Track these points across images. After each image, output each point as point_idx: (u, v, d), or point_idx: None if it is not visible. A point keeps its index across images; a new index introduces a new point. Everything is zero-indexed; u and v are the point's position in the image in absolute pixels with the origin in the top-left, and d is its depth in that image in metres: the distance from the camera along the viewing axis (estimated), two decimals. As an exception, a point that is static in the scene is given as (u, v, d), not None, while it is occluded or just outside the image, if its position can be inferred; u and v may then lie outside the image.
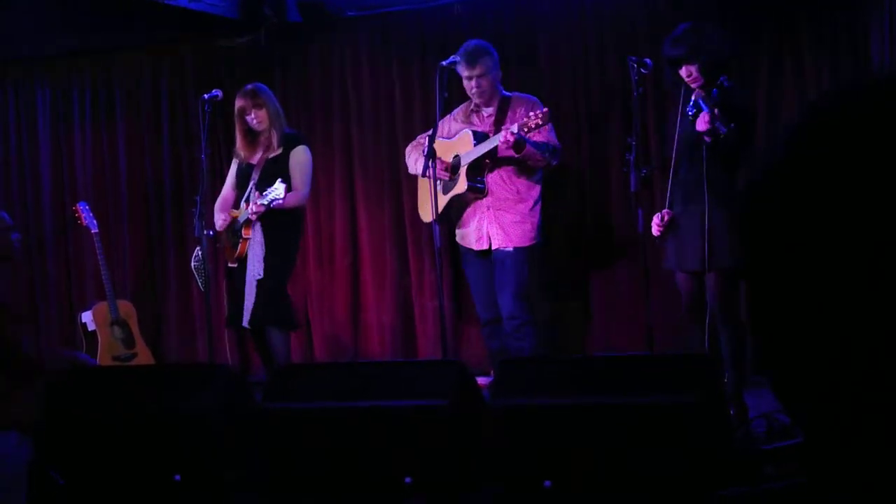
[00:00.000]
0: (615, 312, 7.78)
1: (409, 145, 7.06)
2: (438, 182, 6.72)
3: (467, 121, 6.81)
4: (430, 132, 6.78)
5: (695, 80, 5.75)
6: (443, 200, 6.79)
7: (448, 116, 6.89)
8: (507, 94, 6.77)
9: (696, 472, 4.06)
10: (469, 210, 6.75)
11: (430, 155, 6.40)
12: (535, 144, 6.43)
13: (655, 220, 5.92)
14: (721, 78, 5.67)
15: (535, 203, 6.67)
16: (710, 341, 5.76)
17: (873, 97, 0.89)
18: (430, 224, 6.57)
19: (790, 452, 4.56)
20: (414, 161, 6.88)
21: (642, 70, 5.98)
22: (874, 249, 0.83)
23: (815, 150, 0.89)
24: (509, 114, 6.64)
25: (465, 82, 6.70)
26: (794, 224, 0.88)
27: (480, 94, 6.68)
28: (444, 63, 6.45)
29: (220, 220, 6.96)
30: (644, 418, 4.19)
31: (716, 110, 5.47)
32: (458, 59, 6.52)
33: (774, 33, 7.32)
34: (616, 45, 7.62)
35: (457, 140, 6.75)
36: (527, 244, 6.64)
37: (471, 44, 6.68)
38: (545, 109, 6.36)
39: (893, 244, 0.83)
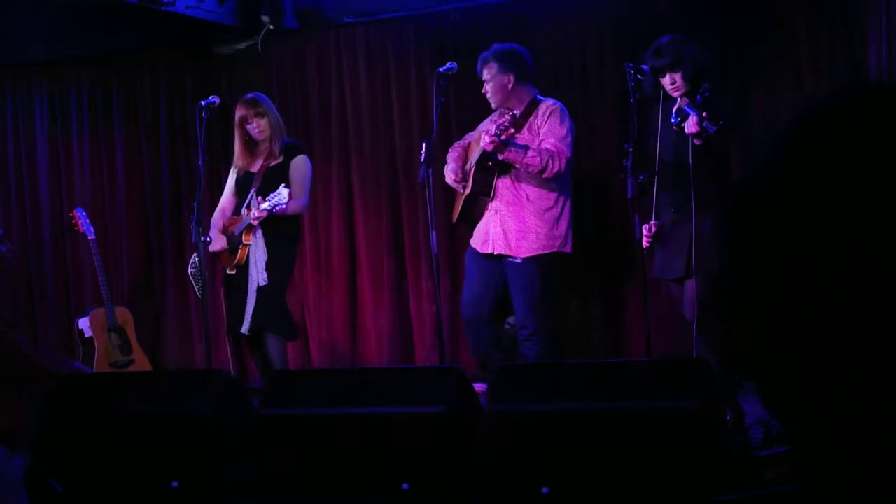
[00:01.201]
0: (613, 318, 7.78)
1: (451, 147, 7.00)
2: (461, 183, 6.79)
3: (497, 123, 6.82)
4: (473, 132, 6.94)
5: (678, 88, 5.88)
6: (460, 201, 6.83)
7: (489, 117, 6.91)
8: (541, 98, 6.75)
9: (694, 478, 4.06)
10: (483, 211, 6.77)
11: (428, 162, 6.40)
12: (521, 147, 6.42)
13: (644, 230, 5.97)
14: (703, 86, 5.77)
15: (548, 211, 6.61)
16: (698, 346, 5.81)
17: (871, 99, 0.90)
18: (427, 230, 6.58)
19: (788, 458, 4.56)
20: (446, 165, 6.86)
21: (639, 76, 6.01)
22: (871, 250, 0.83)
23: (811, 151, 0.88)
24: (530, 119, 6.62)
25: None
26: (787, 224, 0.87)
27: (490, 98, 6.73)
28: (440, 69, 6.45)
29: (216, 243, 6.94)
30: (642, 424, 4.19)
31: (704, 112, 5.54)
32: (453, 65, 6.51)
33: (773, 34, 7.33)
34: (613, 51, 7.63)
35: (476, 141, 6.80)
36: (533, 254, 6.59)
37: (494, 46, 6.76)
38: (513, 112, 6.40)
39: (889, 245, 0.83)
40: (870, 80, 6.94)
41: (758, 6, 7.37)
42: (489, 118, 6.91)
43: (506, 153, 6.39)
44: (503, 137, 6.33)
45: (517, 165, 6.48)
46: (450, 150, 6.95)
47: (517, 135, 6.45)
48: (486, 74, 6.68)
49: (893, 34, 6.88)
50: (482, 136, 6.41)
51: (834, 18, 7.17)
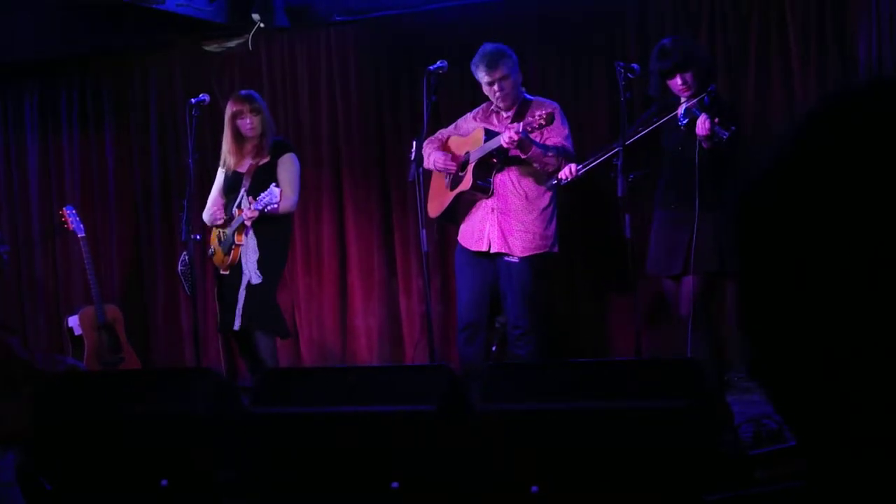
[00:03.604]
0: (603, 317, 7.78)
1: (426, 140, 6.82)
2: (447, 178, 6.73)
3: (486, 121, 6.73)
4: (449, 127, 6.89)
5: (688, 89, 5.86)
6: (449, 197, 6.77)
7: (469, 114, 6.87)
8: (529, 97, 6.71)
9: (684, 476, 4.06)
10: (473, 209, 6.70)
11: (418, 161, 6.38)
12: (543, 146, 6.40)
13: (573, 167, 6.16)
14: (711, 86, 5.79)
15: (543, 211, 6.58)
16: (693, 343, 5.82)
17: (871, 97, 0.89)
18: (417, 228, 6.56)
19: (778, 457, 4.57)
20: (427, 155, 6.76)
21: (629, 75, 6.02)
22: (874, 249, 0.83)
23: (820, 147, 0.88)
24: (527, 118, 6.49)
25: (485, 87, 6.62)
26: (796, 223, 0.87)
27: (504, 98, 6.60)
28: (431, 68, 6.42)
29: (214, 215, 6.91)
30: (632, 423, 4.19)
31: (715, 118, 5.54)
32: (444, 64, 6.47)
33: (763, 35, 7.33)
34: (604, 49, 7.62)
35: (469, 137, 6.73)
36: (529, 253, 6.55)
37: (488, 47, 6.61)
38: (549, 110, 6.31)
39: (892, 244, 0.82)
40: (862, 75, 6.96)
41: (748, 4, 7.37)
42: (471, 115, 6.86)
43: (531, 152, 6.35)
44: (539, 139, 6.31)
45: (535, 164, 6.44)
46: (426, 144, 6.76)
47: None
48: (497, 73, 6.52)
49: (884, 29, 6.90)
50: (506, 133, 6.32)
51: (824, 17, 7.17)
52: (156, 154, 9.01)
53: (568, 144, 6.51)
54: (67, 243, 9.02)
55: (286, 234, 7.01)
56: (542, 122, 6.21)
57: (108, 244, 9.11)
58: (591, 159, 6.17)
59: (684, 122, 5.77)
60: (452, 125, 6.94)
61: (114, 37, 8.66)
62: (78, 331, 8.06)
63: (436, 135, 6.91)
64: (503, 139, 6.30)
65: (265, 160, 6.86)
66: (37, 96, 9.37)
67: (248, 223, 6.69)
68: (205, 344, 7.49)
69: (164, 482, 4.68)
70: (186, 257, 6.92)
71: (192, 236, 6.77)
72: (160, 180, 9.00)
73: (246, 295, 6.76)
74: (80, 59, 9.15)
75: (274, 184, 6.62)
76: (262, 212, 6.58)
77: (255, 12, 8.24)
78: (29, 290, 9.32)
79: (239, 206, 6.81)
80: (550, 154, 6.38)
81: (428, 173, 6.78)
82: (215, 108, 7.46)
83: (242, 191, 6.84)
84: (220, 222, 6.92)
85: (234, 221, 6.79)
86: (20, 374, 4.66)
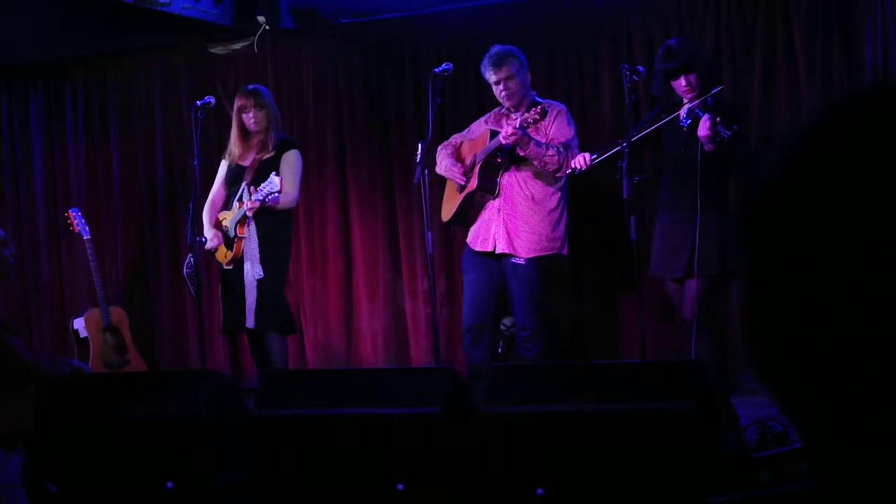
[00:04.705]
0: (609, 318, 7.78)
1: (440, 145, 6.94)
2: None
3: (497, 124, 6.76)
4: (463, 132, 6.90)
5: (693, 89, 5.86)
6: (458, 199, 6.78)
7: (481, 118, 6.90)
8: (540, 100, 6.72)
9: (689, 479, 4.05)
10: (482, 210, 6.73)
11: (423, 163, 6.39)
12: (542, 144, 6.41)
13: (587, 156, 6.14)
14: (715, 88, 5.79)
15: (551, 212, 6.59)
16: (697, 346, 5.82)
17: (888, 97, 0.89)
18: (422, 230, 6.57)
19: (784, 459, 4.56)
20: (440, 161, 6.82)
21: (634, 77, 6.03)
22: (884, 250, 0.82)
23: (825, 149, 0.88)
24: (525, 114, 6.55)
25: (493, 88, 6.66)
26: (801, 224, 0.87)
27: (509, 98, 6.62)
28: (436, 70, 6.44)
29: (212, 240, 6.93)
30: (637, 425, 4.19)
31: (717, 117, 5.55)
32: (449, 66, 6.48)
33: (768, 36, 7.33)
34: (609, 52, 7.63)
35: (477, 139, 6.76)
36: (535, 255, 6.56)
37: (495, 48, 6.66)
38: (543, 106, 6.35)
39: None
40: (867, 77, 6.96)
41: (753, 6, 7.37)
42: (483, 119, 6.89)
43: (530, 148, 6.36)
44: (529, 132, 6.33)
45: (536, 162, 6.45)
46: (439, 149, 6.88)
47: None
48: (502, 73, 6.56)
49: (889, 30, 6.89)
50: (504, 129, 6.36)
51: (829, 18, 7.17)
52: (161, 156, 9.02)
53: (574, 145, 6.52)
54: (73, 245, 9.03)
55: (287, 228, 7.00)
56: (537, 116, 6.27)
57: (113, 246, 9.12)
58: (604, 150, 6.18)
59: (687, 123, 5.78)
60: (466, 130, 6.97)
61: (119, 38, 8.67)
62: (83, 333, 8.07)
63: (449, 140, 6.95)
64: (500, 135, 6.35)
65: (269, 155, 6.87)
66: (42, 98, 9.38)
67: (249, 213, 6.69)
68: (210, 346, 7.49)
69: (169, 484, 4.68)
70: (192, 259, 6.92)
71: (198, 238, 6.77)
72: (165, 182, 9.01)
73: (257, 293, 6.76)
74: (85, 60, 9.17)
75: (274, 173, 6.63)
76: (263, 202, 6.59)
77: (260, 14, 8.25)
78: (34, 291, 9.34)
79: (240, 199, 6.81)
80: (551, 152, 6.40)
81: (435, 176, 6.80)
82: (220, 111, 7.47)
83: (244, 184, 6.85)
84: (214, 247, 6.92)
85: (235, 214, 6.79)
86: (23, 374, 4.66)
